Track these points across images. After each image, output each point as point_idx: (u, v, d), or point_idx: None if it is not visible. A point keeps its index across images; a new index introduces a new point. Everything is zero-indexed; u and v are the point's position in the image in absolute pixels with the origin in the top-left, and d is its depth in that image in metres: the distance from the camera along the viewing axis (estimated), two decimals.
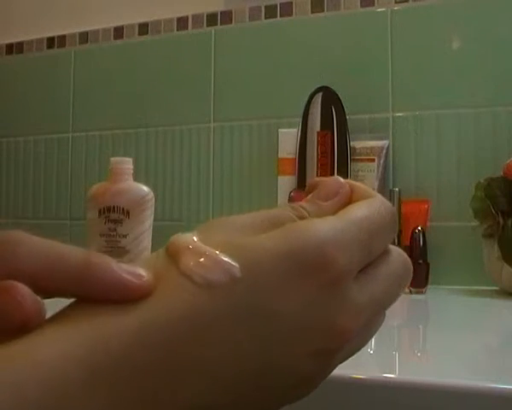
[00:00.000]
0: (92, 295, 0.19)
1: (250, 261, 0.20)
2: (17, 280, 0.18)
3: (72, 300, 0.20)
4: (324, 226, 0.21)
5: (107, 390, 0.18)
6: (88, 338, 0.18)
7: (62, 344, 0.18)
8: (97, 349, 0.18)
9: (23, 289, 0.18)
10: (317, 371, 0.22)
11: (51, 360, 0.17)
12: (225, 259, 0.20)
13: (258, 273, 0.20)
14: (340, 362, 0.23)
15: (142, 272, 0.20)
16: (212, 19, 1.08)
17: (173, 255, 0.21)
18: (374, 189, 0.89)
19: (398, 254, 0.25)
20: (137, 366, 0.18)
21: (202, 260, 0.20)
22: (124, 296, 0.19)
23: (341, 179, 0.25)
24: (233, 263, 0.20)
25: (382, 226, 0.23)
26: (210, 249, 0.20)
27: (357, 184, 0.25)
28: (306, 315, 0.20)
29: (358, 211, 0.23)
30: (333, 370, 0.23)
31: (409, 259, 0.26)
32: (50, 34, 1.21)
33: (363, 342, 0.24)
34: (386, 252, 0.24)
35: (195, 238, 0.21)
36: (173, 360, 0.19)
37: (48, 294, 0.19)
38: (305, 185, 1.00)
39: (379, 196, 0.25)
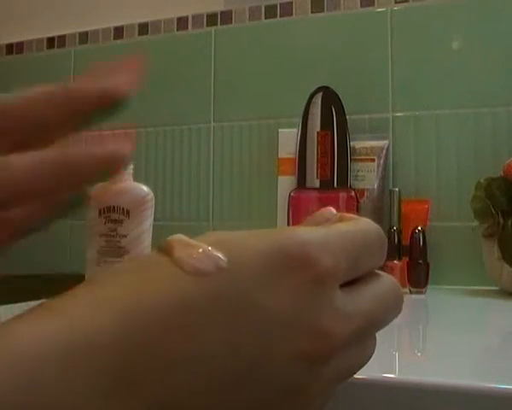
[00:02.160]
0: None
1: (235, 255, 0.21)
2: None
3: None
4: (309, 231, 0.22)
5: (83, 374, 0.18)
6: (67, 321, 0.18)
7: (41, 326, 0.18)
8: (76, 332, 0.18)
9: None
10: (306, 380, 0.21)
11: (29, 340, 0.17)
12: (214, 252, 0.21)
13: (243, 267, 0.21)
14: (336, 380, 0.23)
15: None
16: (212, 19, 1.08)
17: (166, 249, 0.21)
18: (374, 189, 0.89)
19: (388, 279, 0.25)
20: (117, 349, 0.18)
21: (193, 251, 0.21)
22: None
23: (333, 210, 0.26)
24: (221, 256, 0.20)
25: (368, 242, 0.24)
26: (201, 244, 0.21)
27: (350, 214, 0.26)
28: (289, 311, 0.20)
29: (343, 225, 0.24)
30: (327, 390, 0.22)
31: (399, 286, 0.26)
32: (50, 34, 1.21)
33: (358, 362, 0.24)
34: (375, 274, 0.25)
35: (187, 237, 0.22)
36: (153, 344, 0.19)
37: None
38: (305, 185, 1.00)
39: (367, 219, 0.25)
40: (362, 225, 0.24)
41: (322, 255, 0.21)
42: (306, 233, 0.22)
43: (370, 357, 0.25)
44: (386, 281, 0.25)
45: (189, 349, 0.19)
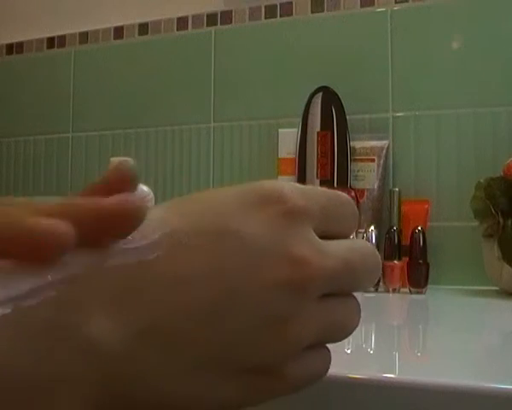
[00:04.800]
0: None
1: (216, 195, 0.23)
2: None
3: None
4: (284, 182, 0.24)
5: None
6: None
7: None
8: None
9: None
10: (289, 309, 0.22)
11: None
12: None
13: (223, 203, 0.22)
14: (321, 331, 0.23)
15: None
16: (212, 19, 1.08)
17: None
18: (374, 189, 0.89)
19: (365, 241, 0.27)
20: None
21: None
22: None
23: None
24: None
25: (340, 201, 0.25)
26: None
27: None
28: (266, 239, 0.22)
29: (318, 187, 0.26)
30: (313, 337, 0.23)
31: (376, 250, 0.26)
32: (50, 34, 1.21)
33: (342, 319, 0.24)
34: (351, 239, 0.26)
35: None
36: (135, 273, 0.19)
37: None
38: (304, 185, 1.00)
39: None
40: (333, 191, 0.26)
41: (293, 194, 0.23)
42: (280, 182, 0.24)
43: (355, 322, 0.25)
44: (363, 241, 0.26)
45: (173, 270, 0.20)
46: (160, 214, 0.21)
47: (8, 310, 0.17)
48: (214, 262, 0.21)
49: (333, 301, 0.24)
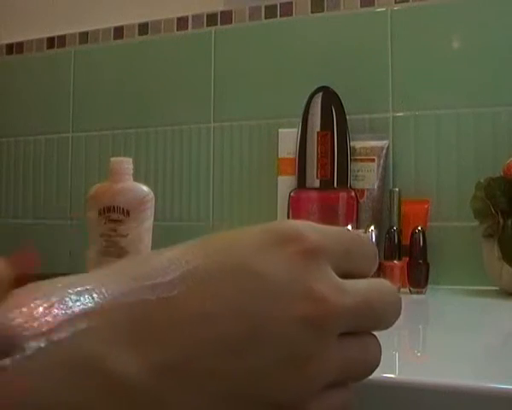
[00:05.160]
0: None
1: (237, 236, 0.24)
2: None
3: None
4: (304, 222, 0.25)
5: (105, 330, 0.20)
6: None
7: None
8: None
9: None
10: (311, 348, 0.22)
11: None
12: None
13: (243, 243, 0.23)
14: (343, 367, 0.23)
15: None
16: (212, 19, 1.08)
17: None
18: (374, 189, 0.89)
19: (385, 281, 0.27)
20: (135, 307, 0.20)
21: None
22: None
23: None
24: None
25: (359, 241, 0.26)
26: None
27: None
28: (284, 278, 0.22)
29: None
30: (335, 375, 0.23)
31: (396, 289, 0.27)
32: (50, 34, 1.21)
33: (363, 357, 0.25)
34: (370, 278, 0.26)
35: None
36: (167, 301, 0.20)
37: None
38: (305, 185, 1.00)
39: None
40: (355, 231, 0.26)
41: (311, 233, 0.23)
42: (300, 222, 0.24)
43: (377, 361, 0.25)
44: (382, 280, 0.27)
45: (196, 306, 0.21)
46: (183, 252, 0.22)
47: (42, 344, 0.18)
48: (236, 300, 0.21)
49: (353, 340, 0.24)
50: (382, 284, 0.26)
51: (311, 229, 0.23)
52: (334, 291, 0.22)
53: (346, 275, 0.24)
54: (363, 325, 0.25)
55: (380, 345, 0.26)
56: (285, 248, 0.23)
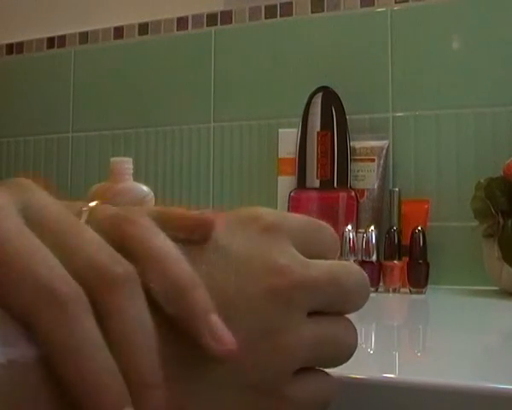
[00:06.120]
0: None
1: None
2: None
3: None
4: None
5: None
6: None
7: None
8: None
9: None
10: (280, 320, 0.22)
11: None
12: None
13: (215, 230, 0.24)
14: (314, 344, 0.23)
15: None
16: (212, 19, 1.08)
17: None
18: (374, 189, 0.89)
19: (350, 262, 0.28)
20: None
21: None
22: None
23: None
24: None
25: (318, 226, 0.27)
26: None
27: None
28: (249, 253, 0.23)
29: None
30: (307, 348, 0.23)
31: (363, 272, 0.26)
32: (50, 34, 1.21)
33: (334, 332, 0.25)
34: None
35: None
36: None
37: None
38: (305, 185, 1.00)
39: None
40: (312, 218, 0.27)
41: (270, 214, 0.25)
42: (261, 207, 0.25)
43: (352, 343, 0.25)
44: (348, 262, 0.28)
45: None
46: None
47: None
48: (210, 271, 0.22)
49: (324, 319, 0.24)
50: (348, 263, 0.26)
51: (269, 211, 0.25)
52: (298, 264, 0.23)
53: (307, 257, 0.25)
54: (333, 303, 0.25)
55: (355, 329, 0.26)
56: (247, 227, 0.24)
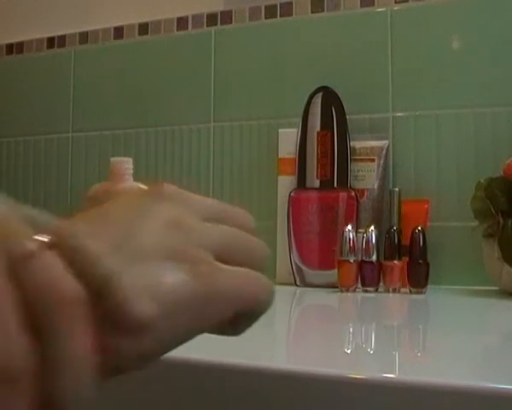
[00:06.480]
0: None
1: None
2: None
3: None
4: None
5: None
6: None
7: None
8: None
9: None
10: (176, 242, 0.24)
11: None
12: None
13: None
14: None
15: None
16: (212, 19, 1.08)
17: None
18: (374, 189, 0.89)
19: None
20: None
21: None
22: None
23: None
24: None
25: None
26: None
27: None
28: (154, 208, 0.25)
29: None
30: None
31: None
32: (50, 34, 1.21)
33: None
34: None
35: None
36: None
37: None
38: (305, 185, 1.00)
39: None
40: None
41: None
42: None
43: (266, 288, 0.26)
44: None
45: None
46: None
47: None
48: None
49: (232, 266, 0.26)
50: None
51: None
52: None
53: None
54: (239, 245, 0.27)
55: (267, 279, 0.27)
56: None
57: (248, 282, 0.26)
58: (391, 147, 0.93)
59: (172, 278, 0.23)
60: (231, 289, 0.25)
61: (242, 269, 0.25)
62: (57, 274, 0.20)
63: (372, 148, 0.90)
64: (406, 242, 0.79)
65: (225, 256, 0.25)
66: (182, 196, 0.28)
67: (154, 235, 0.24)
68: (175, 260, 0.23)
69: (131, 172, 0.76)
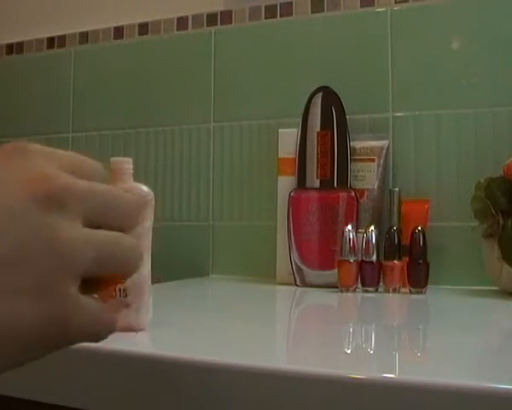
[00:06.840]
0: None
1: None
2: None
3: None
4: None
5: None
6: None
7: None
8: None
9: None
10: (48, 221, 0.24)
11: None
12: None
13: None
14: (95, 244, 0.25)
15: None
16: (212, 19, 1.08)
17: None
18: (374, 189, 0.89)
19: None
20: None
21: None
22: None
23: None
24: None
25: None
26: None
27: None
28: (4, 168, 0.25)
29: None
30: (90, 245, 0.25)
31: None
32: (50, 34, 1.21)
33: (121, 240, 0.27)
34: None
35: None
36: None
37: None
38: (305, 185, 1.00)
39: None
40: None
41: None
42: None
43: (135, 254, 0.28)
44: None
45: None
46: None
47: None
48: None
49: (102, 231, 0.26)
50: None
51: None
52: (52, 169, 0.25)
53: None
54: (106, 212, 0.27)
55: (139, 249, 0.28)
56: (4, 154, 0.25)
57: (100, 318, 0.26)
58: (391, 147, 0.93)
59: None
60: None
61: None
62: None
63: (372, 148, 0.90)
64: (406, 242, 0.79)
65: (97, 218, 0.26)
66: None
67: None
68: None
69: (131, 172, 0.76)
